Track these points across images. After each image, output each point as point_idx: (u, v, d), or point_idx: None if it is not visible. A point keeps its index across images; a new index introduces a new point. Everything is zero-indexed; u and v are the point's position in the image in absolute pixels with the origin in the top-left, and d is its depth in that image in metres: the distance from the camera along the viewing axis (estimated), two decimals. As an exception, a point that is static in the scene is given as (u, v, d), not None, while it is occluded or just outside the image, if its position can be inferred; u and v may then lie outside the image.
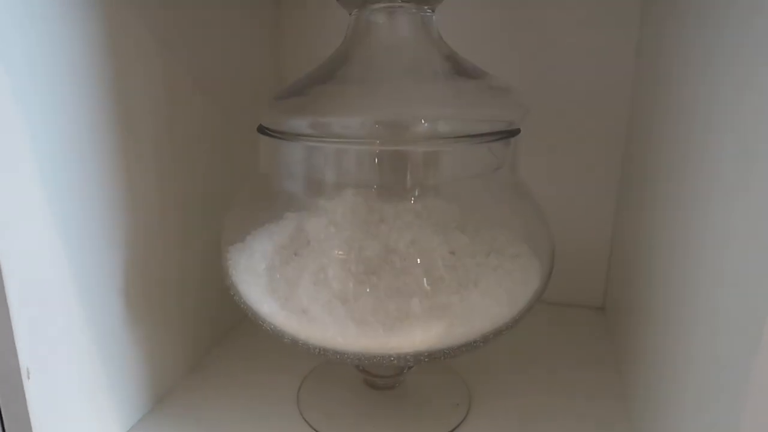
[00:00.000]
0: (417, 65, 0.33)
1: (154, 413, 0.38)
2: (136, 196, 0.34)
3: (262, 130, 0.33)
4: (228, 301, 0.35)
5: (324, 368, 0.43)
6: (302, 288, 0.30)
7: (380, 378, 0.39)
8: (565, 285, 0.53)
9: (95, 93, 0.31)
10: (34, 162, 0.27)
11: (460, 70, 0.33)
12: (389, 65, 0.33)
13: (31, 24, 0.26)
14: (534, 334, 0.48)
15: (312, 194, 0.32)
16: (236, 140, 0.45)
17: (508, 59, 0.49)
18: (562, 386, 0.41)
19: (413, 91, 0.32)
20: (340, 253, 0.30)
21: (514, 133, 0.33)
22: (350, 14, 0.33)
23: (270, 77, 0.53)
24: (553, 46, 0.48)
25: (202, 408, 0.39)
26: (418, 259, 0.29)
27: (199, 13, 0.40)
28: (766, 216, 0.19)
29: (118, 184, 0.33)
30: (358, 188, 0.31)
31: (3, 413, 0.28)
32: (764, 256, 0.19)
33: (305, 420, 0.37)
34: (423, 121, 0.30)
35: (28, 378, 0.27)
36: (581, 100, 0.49)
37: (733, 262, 0.22)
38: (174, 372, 0.41)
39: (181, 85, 0.38)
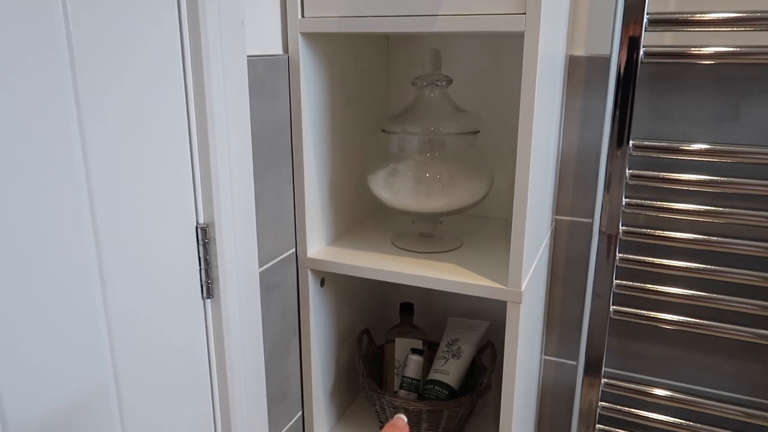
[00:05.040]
0: (440, 105, 0.88)
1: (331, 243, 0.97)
2: (334, 158, 0.92)
3: (383, 130, 0.89)
4: (365, 195, 0.92)
5: (404, 225, 1.00)
6: (397, 185, 0.86)
7: (425, 226, 0.95)
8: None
9: (324, 121, 0.88)
10: (311, 157, 0.85)
11: (458, 108, 0.88)
12: (429, 107, 0.88)
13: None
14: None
15: (397, 158, 0.88)
16: (367, 134, 1.02)
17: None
18: (504, 238, 0.96)
19: (439, 118, 0.87)
20: (409, 175, 0.86)
21: (476, 132, 0.87)
22: (414, 84, 0.88)
23: (383, 102, 1.08)
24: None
25: (347, 242, 0.97)
26: (438, 175, 0.85)
27: (352, 74, 0.96)
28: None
29: (329, 153, 0.91)
30: (413, 156, 0.87)
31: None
32: None
33: (393, 244, 0.95)
34: (435, 128, 0.85)
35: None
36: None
37: None
38: (343, 223, 0.99)
39: (344, 109, 0.95)
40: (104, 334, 0.57)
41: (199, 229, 0.67)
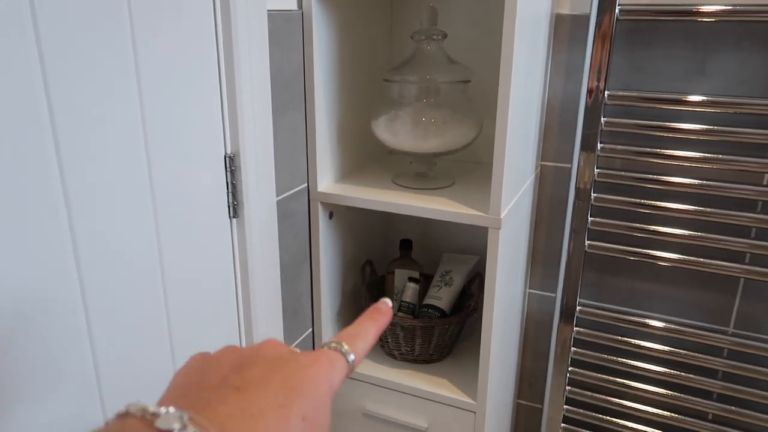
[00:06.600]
0: (436, 57, 0.99)
1: (341, 179, 1.09)
2: (342, 104, 1.04)
3: (385, 80, 1.01)
4: (370, 140, 1.04)
5: (403, 167, 1.13)
6: (397, 128, 0.98)
7: (421, 166, 1.08)
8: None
9: (333, 71, 0.99)
10: (321, 101, 0.96)
11: (451, 60, 0.99)
12: (426, 59, 0.99)
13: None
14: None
15: (397, 104, 1.00)
16: (372, 83, 1.13)
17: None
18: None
19: (434, 69, 0.98)
20: (407, 120, 0.98)
21: (467, 81, 0.99)
22: (412, 38, 0.99)
23: (387, 55, 1.19)
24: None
25: (353, 180, 1.09)
26: (432, 119, 0.97)
27: (359, 29, 1.07)
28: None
29: (339, 97, 1.02)
30: (411, 103, 0.99)
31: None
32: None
33: (393, 182, 1.07)
34: (430, 77, 0.97)
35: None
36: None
37: None
38: (349, 164, 1.12)
39: (351, 60, 1.06)
40: (155, 246, 0.70)
41: (227, 158, 0.80)
